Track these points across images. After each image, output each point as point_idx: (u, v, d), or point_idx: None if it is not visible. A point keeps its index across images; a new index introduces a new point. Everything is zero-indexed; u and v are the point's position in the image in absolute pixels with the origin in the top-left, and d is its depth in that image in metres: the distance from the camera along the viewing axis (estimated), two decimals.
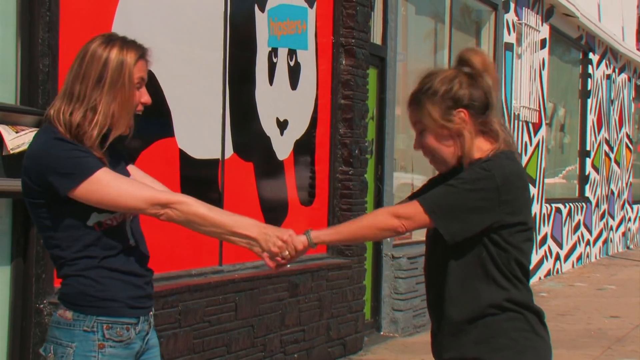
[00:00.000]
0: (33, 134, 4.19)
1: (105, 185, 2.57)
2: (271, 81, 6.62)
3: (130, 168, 2.86)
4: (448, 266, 2.73)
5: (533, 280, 12.73)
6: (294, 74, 6.91)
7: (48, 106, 4.37)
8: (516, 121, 12.05)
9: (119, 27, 4.95)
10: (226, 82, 6.05)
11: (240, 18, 6.25)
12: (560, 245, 14.28)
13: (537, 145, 13.06)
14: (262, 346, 6.21)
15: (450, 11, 10.21)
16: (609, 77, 17.20)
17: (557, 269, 14.12)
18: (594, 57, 16.13)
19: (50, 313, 4.42)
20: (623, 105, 18.49)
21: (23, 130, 4.20)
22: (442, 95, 2.73)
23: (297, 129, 6.99)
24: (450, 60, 10.09)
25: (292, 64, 6.87)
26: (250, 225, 2.73)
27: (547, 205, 13.57)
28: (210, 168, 5.92)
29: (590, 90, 15.96)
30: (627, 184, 19.02)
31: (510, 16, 11.81)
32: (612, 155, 17.64)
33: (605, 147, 17.12)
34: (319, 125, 7.26)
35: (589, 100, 15.95)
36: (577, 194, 15.87)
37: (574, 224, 15.00)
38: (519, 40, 12.17)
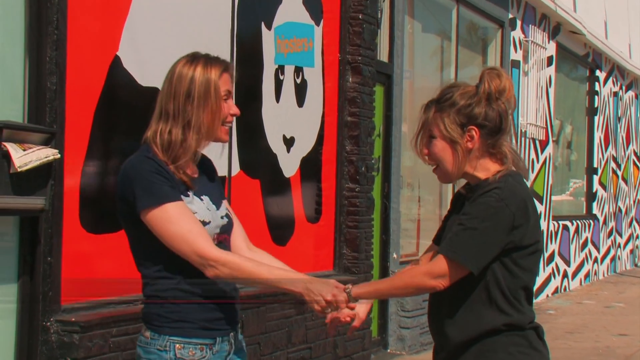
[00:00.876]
0: (40, 152, 4.22)
1: (167, 220, 2.66)
2: (278, 98, 6.64)
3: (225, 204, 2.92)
4: (452, 287, 2.75)
5: (540, 298, 12.69)
6: (301, 91, 6.93)
7: (55, 124, 4.42)
8: (523, 138, 12.05)
9: (125, 46, 4.97)
10: (233, 100, 6.06)
11: (247, 36, 6.27)
12: (568, 263, 14.23)
13: (544, 162, 13.05)
14: None
15: (457, 28, 10.23)
16: (616, 94, 17.19)
17: (565, 287, 14.07)
18: (600, 75, 16.13)
19: (57, 331, 4.42)
20: (630, 122, 18.47)
21: (30, 148, 4.21)
22: (458, 109, 2.77)
23: (304, 146, 6.99)
24: (456, 77, 10.11)
25: (298, 81, 6.89)
26: (295, 281, 2.79)
27: (555, 222, 13.54)
28: None
29: (597, 108, 15.95)
30: (634, 201, 18.97)
31: (517, 33, 11.83)
32: (619, 173, 17.61)
33: (613, 165, 17.09)
34: (326, 142, 7.26)
35: (596, 118, 15.93)
36: (584, 211, 15.83)
37: (581, 242, 14.95)
38: (525, 58, 12.18)
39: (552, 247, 13.42)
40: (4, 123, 4.13)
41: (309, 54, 7.02)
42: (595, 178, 15.92)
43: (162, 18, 5.35)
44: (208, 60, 2.80)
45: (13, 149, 4.14)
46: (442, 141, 2.79)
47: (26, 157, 4.17)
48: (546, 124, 13.01)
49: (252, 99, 6.33)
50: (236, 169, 6.09)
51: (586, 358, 8.37)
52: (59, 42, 4.48)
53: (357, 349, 7.34)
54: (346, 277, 7.29)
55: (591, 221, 15.60)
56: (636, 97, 18.96)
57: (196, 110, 2.74)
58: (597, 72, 15.98)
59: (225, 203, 2.93)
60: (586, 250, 15.25)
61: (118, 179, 2.77)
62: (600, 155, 16.18)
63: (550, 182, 13.29)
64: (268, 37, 6.51)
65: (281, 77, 6.67)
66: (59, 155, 4.30)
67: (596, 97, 15.94)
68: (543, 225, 12.86)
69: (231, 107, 2.85)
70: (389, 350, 8.31)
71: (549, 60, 13.19)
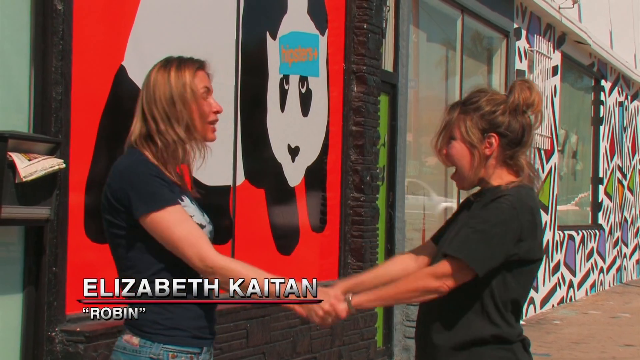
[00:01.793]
0: (45, 161, 4.22)
1: (171, 224, 2.62)
2: (282, 108, 6.64)
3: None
4: (445, 295, 2.74)
5: (546, 308, 12.66)
6: (306, 100, 6.94)
7: (60, 134, 4.42)
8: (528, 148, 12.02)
9: (131, 56, 4.99)
10: (238, 109, 6.07)
11: (251, 45, 6.28)
12: (574, 273, 14.20)
13: (550, 172, 13.04)
14: None
15: (462, 38, 10.24)
16: (621, 104, 17.18)
17: (571, 297, 14.03)
18: (606, 84, 16.12)
19: (62, 341, 4.42)
20: (636, 132, 18.45)
21: (36, 158, 4.22)
22: (482, 114, 2.77)
23: (309, 155, 7.00)
24: (461, 87, 10.11)
25: (303, 90, 6.89)
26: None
27: (560, 232, 13.51)
28: (221, 195, 5.93)
29: (602, 117, 15.93)
30: None
31: (522, 43, 11.83)
32: (625, 183, 17.58)
33: (618, 174, 17.07)
34: (330, 151, 7.27)
35: (602, 127, 15.92)
36: (590, 221, 15.80)
37: (587, 251, 14.92)
38: (530, 68, 12.18)
39: (558, 257, 13.39)
40: (10, 133, 4.14)
41: (314, 64, 7.03)
42: (601, 188, 15.89)
43: (167, 28, 5.37)
44: (181, 62, 2.80)
45: (18, 159, 4.15)
46: (461, 144, 2.78)
47: (31, 167, 4.17)
48: (551, 134, 13.00)
49: (257, 109, 6.34)
50: (241, 178, 6.09)
51: None
52: (65, 52, 4.50)
53: (363, 359, 7.33)
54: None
55: (597, 231, 15.57)
56: None
57: (179, 113, 2.73)
58: (603, 82, 15.97)
59: None
60: (592, 260, 15.21)
61: (110, 183, 2.70)
62: (605, 165, 16.16)
63: (555, 191, 13.27)
64: (273, 47, 6.52)
65: (286, 87, 6.68)
66: (64, 165, 4.31)
67: (601, 106, 15.93)
68: (548, 235, 12.84)
69: (212, 105, 2.82)
70: None
71: (554, 70, 13.19)
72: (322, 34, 7.14)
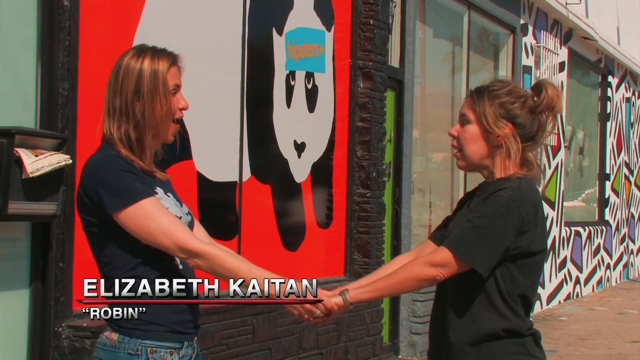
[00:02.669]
0: (52, 157, 4.23)
1: (146, 217, 2.57)
2: (289, 104, 6.65)
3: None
4: (454, 290, 2.75)
5: (553, 304, 12.65)
6: (312, 96, 6.93)
7: (67, 130, 4.43)
8: None
9: None
10: (244, 105, 6.08)
11: (258, 41, 6.28)
12: (580, 269, 14.18)
13: (556, 168, 13.02)
14: None
15: (468, 34, 10.22)
16: (628, 100, 17.14)
17: (577, 293, 14.01)
18: (613, 80, 16.08)
19: (69, 336, 4.43)
20: None
21: (42, 153, 4.23)
22: (501, 102, 2.78)
23: (315, 151, 7.00)
24: (468, 83, 10.10)
25: (309, 86, 6.89)
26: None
27: (567, 228, 13.50)
28: (228, 191, 5.93)
29: (609, 113, 15.90)
30: None
31: (529, 39, 11.81)
32: (632, 179, 17.54)
33: (625, 170, 17.03)
34: (337, 147, 7.27)
35: (609, 124, 15.89)
36: (596, 217, 15.77)
37: (593, 248, 14.90)
38: (537, 63, 12.16)
39: (565, 253, 13.37)
40: (16, 129, 4.15)
41: (320, 60, 7.03)
42: (608, 184, 15.86)
43: (173, 24, 5.37)
44: (155, 52, 2.73)
45: (25, 155, 4.16)
46: (476, 126, 2.79)
47: (38, 162, 4.18)
48: (558, 130, 12.98)
49: (263, 105, 6.34)
50: (247, 174, 6.10)
51: None
52: (71, 48, 4.50)
53: (369, 355, 7.33)
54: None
55: (603, 227, 15.54)
56: None
57: (146, 106, 2.65)
58: (610, 78, 15.93)
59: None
60: (598, 256, 15.19)
61: (82, 181, 2.64)
62: (612, 162, 16.12)
63: (562, 188, 13.25)
64: (279, 43, 6.52)
65: (292, 83, 6.68)
66: (70, 161, 4.32)
67: (608, 103, 15.89)
68: (555, 231, 12.82)
69: (179, 101, 2.74)
70: (400, 356, 8.29)
71: (561, 66, 13.16)
72: (329, 29, 7.14)
